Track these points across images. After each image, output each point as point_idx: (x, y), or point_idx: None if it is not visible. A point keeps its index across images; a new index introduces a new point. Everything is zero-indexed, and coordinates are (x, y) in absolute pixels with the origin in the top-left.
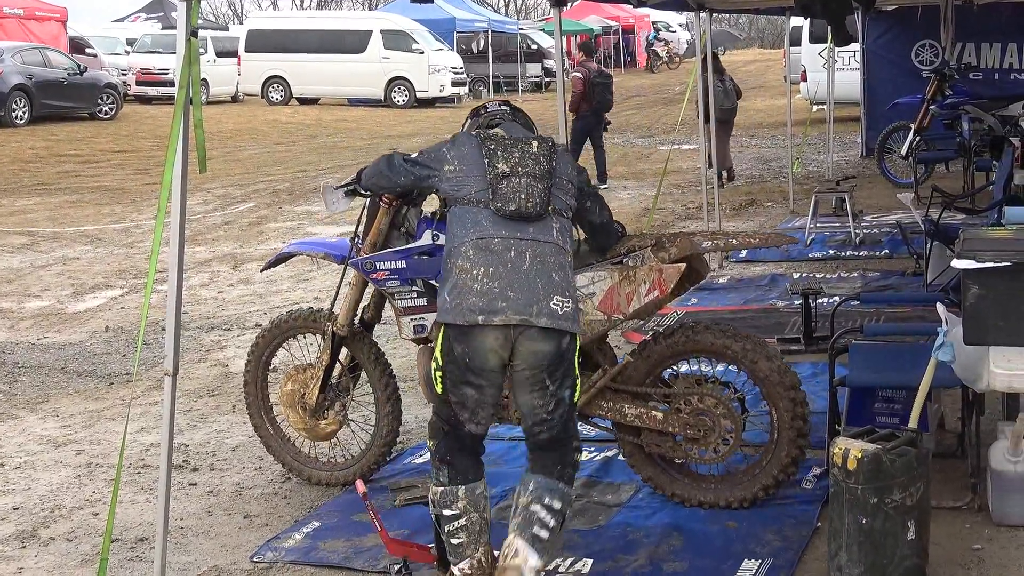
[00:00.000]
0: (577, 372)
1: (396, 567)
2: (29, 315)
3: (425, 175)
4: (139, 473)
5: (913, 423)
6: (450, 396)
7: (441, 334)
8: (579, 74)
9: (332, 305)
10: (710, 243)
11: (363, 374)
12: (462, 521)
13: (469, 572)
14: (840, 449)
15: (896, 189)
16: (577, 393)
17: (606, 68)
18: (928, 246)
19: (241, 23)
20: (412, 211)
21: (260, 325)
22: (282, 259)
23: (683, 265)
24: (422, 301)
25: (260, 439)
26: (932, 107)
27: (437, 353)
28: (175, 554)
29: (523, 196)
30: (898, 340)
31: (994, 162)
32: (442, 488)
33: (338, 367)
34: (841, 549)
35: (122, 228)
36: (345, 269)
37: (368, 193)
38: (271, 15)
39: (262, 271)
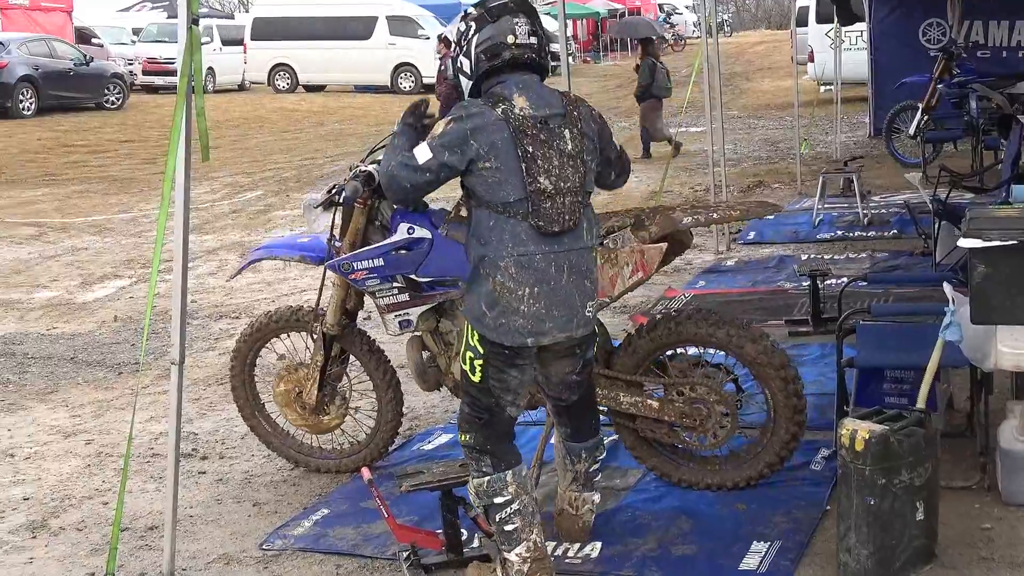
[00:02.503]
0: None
1: (404, 554)
2: (38, 306)
3: (452, 173)
4: (148, 462)
5: (921, 403)
6: (491, 382)
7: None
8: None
9: (316, 305)
10: (690, 219)
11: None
12: (515, 506)
13: (528, 555)
14: (848, 430)
15: (904, 169)
16: (594, 350)
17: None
18: (936, 226)
19: (247, 11)
20: (384, 203)
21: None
22: (252, 264)
23: (664, 245)
24: (404, 296)
25: (259, 438)
26: (940, 86)
27: (475, 342)
28: (184, 542)
29: (567, 216)
30: (906, 320)
31: (1002, 140)
32: (487, 478)
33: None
34: (850, 530)
35: (130, 218)
36: (325, 271)
37: (344, 203)
38: (276, 2)
39: (228, 280)
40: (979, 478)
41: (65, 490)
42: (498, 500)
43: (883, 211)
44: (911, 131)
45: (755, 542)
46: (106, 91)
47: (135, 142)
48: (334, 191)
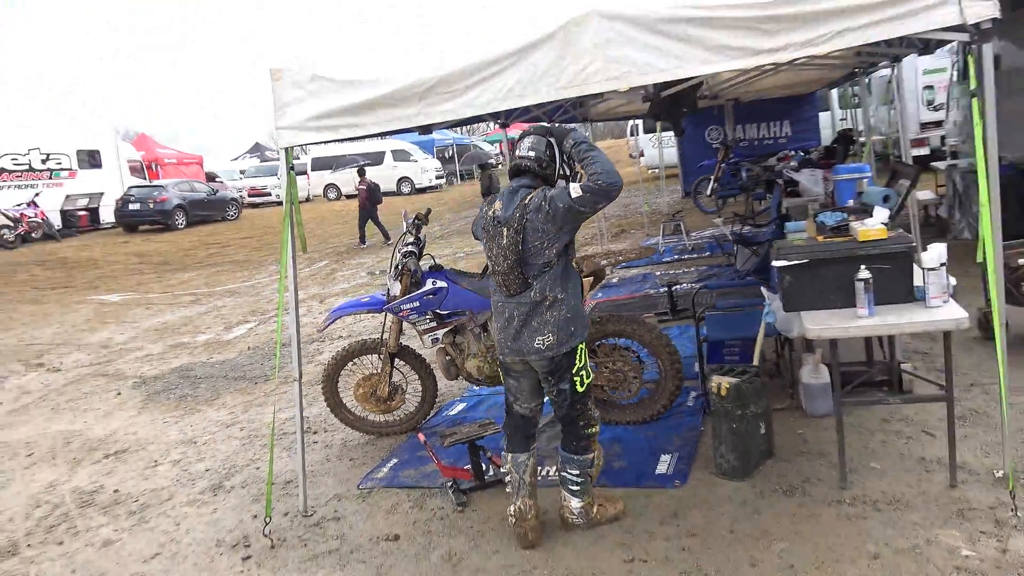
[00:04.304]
0: (581, 368)
1: (448, 483)
2: (200, 344)
3: None
4: (280, 439)
5: (756, 361)
6: (505, 384)
7: None
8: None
9: (382, 336)
10: (606, 261)
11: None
12: (507, 478)
13: (512, 515)
14: (715, 383)
15: (706, 216)
16: (580, 386)
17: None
18: (736, 248)
19: (306, 153)
20: (411, 262)
21: (341, 337)
22: (335, 320)
23: (591, 279)
24: (433, 324)
25: (345, 424)
26: (723, 165)
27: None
28: (310, 488)
29: (504, 286)
30: (734, 310)
31: (767, 194)
32: (502, 452)
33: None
34: (721, 444)
35: (250, 285)
36: (385, 314)
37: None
38: (325, 147)
39: (319, 331)
40: (789, 402)
41: (231, 463)
42: (503, 469)
43: (700, 241)
44: (708, 192)
45: (662, 455)
46: (227, 209)
47: (248, 238)
48: (400, 269)
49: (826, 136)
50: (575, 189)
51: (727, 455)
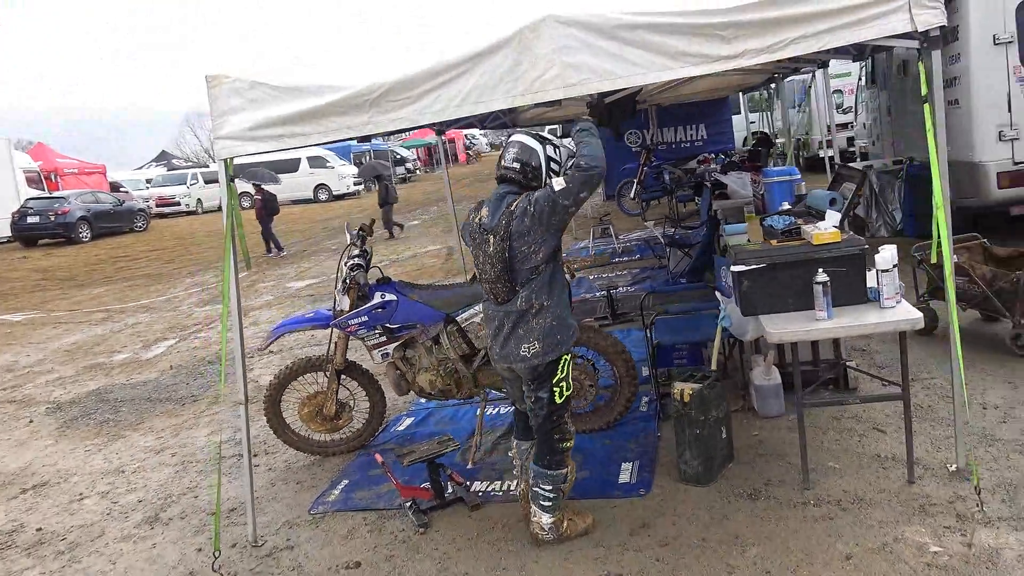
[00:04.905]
0: (562, 379)
1: (408, 503)
2: (117, 364)
3: None
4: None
5: (714, 366)
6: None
7: None
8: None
9: (328, 352)
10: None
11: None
12: (514, 461)
13: (515, 489)
14: (678, 389)
15: (631, 218)
16: (559, 397)
17: (428, 168)
18: (669, 250)
19: (214, 162)
20: (359, 275)
21: (272, 351)
22: (276, 339)
23: None
24: (383, 339)
25: (290, 445)
26: (645, 168)
27: None
28: (257, 516)
29: (492, 293)
30: (686, 314)
31: (696, 197)
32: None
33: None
34: (685, 451)
35: (165, 299)
36: (332, 330)
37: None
38: (239, 154)
39: (261, 350)
40: (742, 404)
41: (165, 492)
42: (509, 454)
43: (629, 244)
44: (631, 195)
45: (623, 463)
46: (135, 220)
47: (159, 250)
48: (348, 283)
49: (739, 138)
50: (558, 182)
51: (691, 461)
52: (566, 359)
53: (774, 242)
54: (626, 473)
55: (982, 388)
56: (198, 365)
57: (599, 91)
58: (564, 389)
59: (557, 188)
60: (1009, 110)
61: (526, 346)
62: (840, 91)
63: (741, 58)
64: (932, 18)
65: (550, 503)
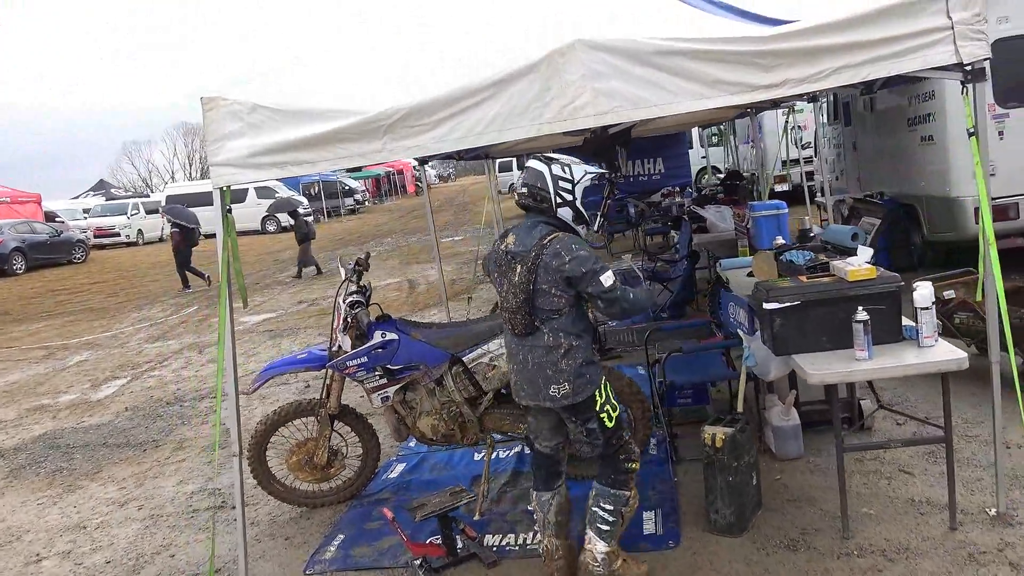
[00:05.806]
0: (604, 404)
1: (418, 562)
2: (64, 406)
3: None
4: (192, 517)
5: (740, 408)
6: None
7: None
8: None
9: (321, 395)
10: None
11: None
12: (535, 516)
13: (539, 548)
14: (709, 434)
15: (595, 251)
16: (609, 421)
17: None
18: (648, 284)
19: (152, 191)
20: (361, 314)
21: (244, 393)
22: (266, 382)
23: None
24: (383, 381)
25: (275, 497)
26: (609, 200)
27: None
28: None
29: (511, 324)
30: (701, 352)
31: (673, 231)
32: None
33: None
34: (716, 499)
35: (111, 335)
36: (328, 371)
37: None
38: (180, 184)
39: (248, 394)
40: (759, 445)
41: (136, 551)
42: (530, 507)
43: None
44: (595, 228)
45: (644, 511)
46: (73, 251)
47: (100, 283)
48: (348, 321)
49: (693, 172)
50: (607, 278)
51: (723, 510)
52: (598, 391)
53: (804, 278)
54: (650, 523)
55: (1000, 426)
56: (155, 407)
57: (632, 120)
58: (612, 411)
59: (606, 284)
60: (985, 146)
61: (555, 387)
62: (799, 127)
63: (781, 87)
64: (978, 50)
65: (608, 528)
